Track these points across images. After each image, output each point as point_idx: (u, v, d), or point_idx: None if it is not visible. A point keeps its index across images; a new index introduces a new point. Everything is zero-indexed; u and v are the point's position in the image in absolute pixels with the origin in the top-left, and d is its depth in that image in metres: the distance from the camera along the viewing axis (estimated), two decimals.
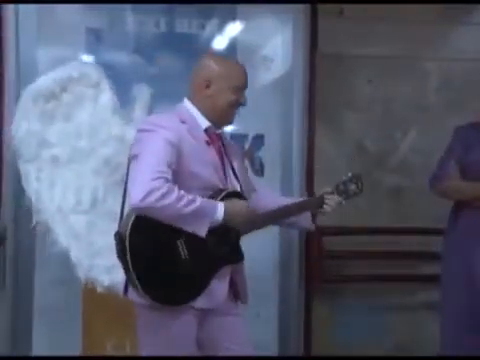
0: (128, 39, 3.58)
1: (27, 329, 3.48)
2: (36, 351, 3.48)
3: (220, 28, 3.70)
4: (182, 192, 2.22)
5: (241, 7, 3.68)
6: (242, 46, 3.66)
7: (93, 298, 3.49)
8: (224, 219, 2.30)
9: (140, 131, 2.35)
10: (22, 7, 3.43)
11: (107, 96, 2.68)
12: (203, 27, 3.67)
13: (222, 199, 2.35)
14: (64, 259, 3.44)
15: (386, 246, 3.74)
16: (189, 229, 2.25)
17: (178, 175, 2.27)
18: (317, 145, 3.81)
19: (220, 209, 2.30)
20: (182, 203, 2.21)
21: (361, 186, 2.58)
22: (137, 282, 2.23)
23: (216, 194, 2.36)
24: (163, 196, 2.17)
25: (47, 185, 2.66)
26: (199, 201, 2.25)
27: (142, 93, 2.76)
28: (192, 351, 2.38)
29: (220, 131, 2.50)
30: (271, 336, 3.75)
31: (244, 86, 2.46)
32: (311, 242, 3.79)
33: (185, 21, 3.64)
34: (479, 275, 3.01)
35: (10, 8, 3.42)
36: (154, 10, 3.59)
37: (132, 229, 2.22)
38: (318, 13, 3.73)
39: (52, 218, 2.66)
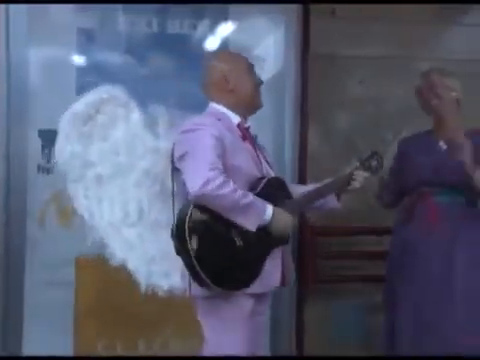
0: (120, 39, 3.56)
1: (18, 330, 3.47)
2: (26, 352, 3.46)
3: (212, 28, 3.68)
4: (236, 185, 2.39)
5: (233, 7, 3.66)
6: (234, 46, 3.63)
7: (84, 299, 3.52)
8: (270, 221, 2.45)
9: (184, 132, 2.51)
10: (13, 7, 3.41)
11: (136, 113, 2.80)
12: (195, 27, 3.65)
13: (265, 186, 2.52)
14: (54, 260, 3.49)
15: (379, 246, 3.73)
16: (241, 222, 2.41)
17: (223, 169, 2.42)
18: (309, 145, 3.81)
19: (269, 210, 2.45)
20: (238, 195, 2.38)
21: (381, 161, 2.72)
22: (201, 272, 2.35)
23: (257, 182, 2.52)
24: (221, 185, 2.34)
25: (96, 203, 2.77)
26: (251, 196, 2.43)
27: (162, 112, 2.85)
28: (251, 337, 2.51)
29: (249, 125, 2.66)
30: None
31: (252, 65, 2.70)
32: (304, 242, 3.79)
33: (177, 21, 3.62)
34: (426, 273, 3.12)
35: (1, 8, 3.40)
36: (146, 10, 3.57)
37: (190, 222, 2.36)
38: (310, 13, 3.73)
39: (106, 234, 2.77)
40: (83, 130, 2.74)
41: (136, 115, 2.79)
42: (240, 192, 2.39)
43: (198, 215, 2.38)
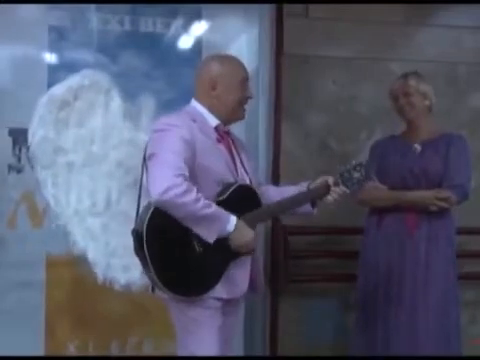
0: (92, 37, 3.54)
1: None
2: None
3: (185, 27, 3.67)
4: (200, 194, 2.32)
5: (206, 6, 3.65)
6: (207, 45, 3.64)
7: (56, 300, 3.49)
8: (232, 234, 2.38)
9: (155, 131, 2.46)
10: None
11: (117, 103, 2.77)
12: (168, 26, 3.64)
13: (233, 192, 2.45)
14: (25, 260, 3.45)
15: (352, 246, 3.74)
16: (199, 232, 2.35)
17: (192, 171, 2.37)
18: (283, 144, 3.81)
19: (232, 222, 2.38)
20: (199, 205, 2.31)
21: (365, 173, 2.61)
22: (155, 276, 2.33)
23: (227, 187, 2.45)
24: (183, 193, 2.28)
25: (63, 190, 2.74)
26: (214, 207, 2.36)
27: (148, 103, 2.85)
28: (223, 337, 2.48)
29: (228, 128, 2.62)
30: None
31: (247, 78, 2.59)
32: (277, 242, 3.79)
33: (150, 20, 3.61)
34: (392, 273, 3.18)
35: None
36: (118, 8, 3.56)
37: (148, 224, 2.32)
38: (284, 13, 3.73)
39: (70, 221, 2.75)
40: (59, 115, 2.71)
41: (116, 104, 2.76)
42: (202, 202, 2.32)
43: (157, 219, 2.33)
